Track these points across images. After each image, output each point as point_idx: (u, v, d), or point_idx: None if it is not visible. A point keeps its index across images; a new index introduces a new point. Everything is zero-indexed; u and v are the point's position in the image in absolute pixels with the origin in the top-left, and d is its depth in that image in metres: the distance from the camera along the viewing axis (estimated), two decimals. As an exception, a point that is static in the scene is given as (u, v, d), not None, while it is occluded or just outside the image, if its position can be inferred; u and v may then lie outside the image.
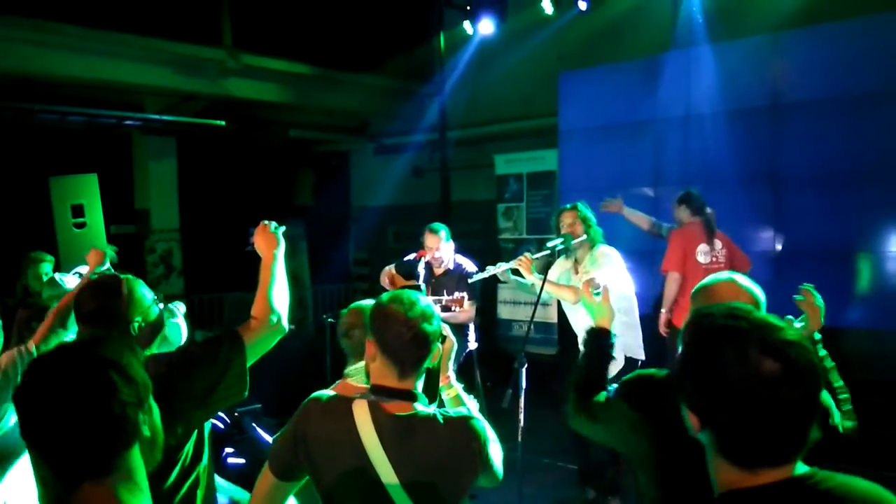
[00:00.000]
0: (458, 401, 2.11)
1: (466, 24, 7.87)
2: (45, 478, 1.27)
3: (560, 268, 4.55)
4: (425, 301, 1.89)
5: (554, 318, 7.71)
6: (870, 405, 5.33)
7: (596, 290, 2.38)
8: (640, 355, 4.32)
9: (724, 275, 2.09)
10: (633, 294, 4.36)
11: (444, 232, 4.90)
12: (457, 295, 4.50)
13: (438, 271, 4.98)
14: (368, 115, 10.57)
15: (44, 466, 1.25)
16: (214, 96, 8.72)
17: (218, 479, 2.77)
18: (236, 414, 4.58)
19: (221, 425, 4.34)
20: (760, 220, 6.47)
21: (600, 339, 2.32)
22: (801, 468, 1.20)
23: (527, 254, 4.28)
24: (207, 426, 2.14)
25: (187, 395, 1.96)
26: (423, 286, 4.59)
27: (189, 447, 2.02)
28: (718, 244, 5.20)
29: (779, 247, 6.42)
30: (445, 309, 4.43)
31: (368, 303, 2.11)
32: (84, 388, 1.21)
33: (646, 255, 5.83)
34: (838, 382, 2.24)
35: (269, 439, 2.81)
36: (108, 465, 1.22)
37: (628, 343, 4.16)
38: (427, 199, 9.34)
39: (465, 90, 8.83)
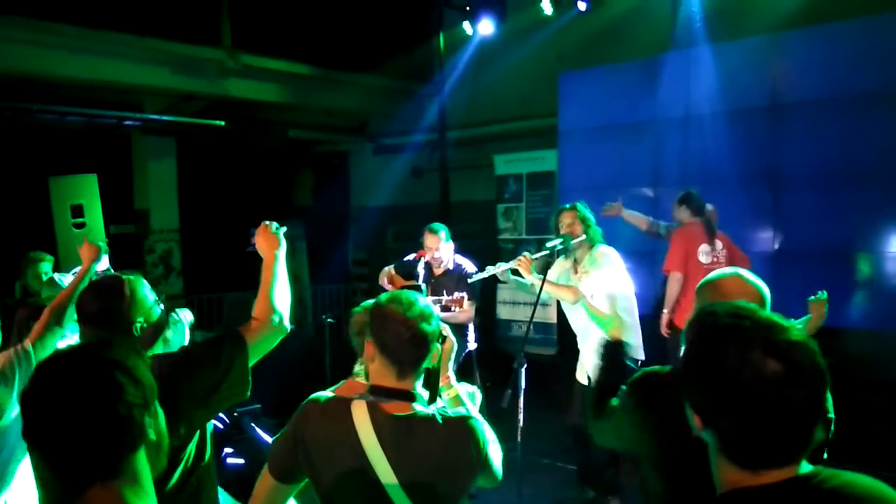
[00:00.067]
0: (458, 401, 2.11)
1: (466, 25, 7.86)
2: (46, 479, 1.27)
3: (559, 268, 4.55)
4: (424, 301, 1.89)
5: (553, 319, 7.71)
6: (870, 405, 5.36)
7: None
8: (640, 355, 4.32)
9: (730, 270, 2.05)
10: (632, 294, 4.36)
11: (443, 232, 4.90)
12: (456, 295, 4.49)
13: (438, 271, 4.97)
14: (368, 115, 10.57)
15: (46, 468, 1.24)
16: (214, 96, 8.72)
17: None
18: (235, 414, 4.57)
19: (221, 425, 4.33)
20: (760, 220, 6.46)
21: (615, 350, 2.33)
22: (805, 467, 1.19)
23: (526, 254, 4.28)
24: (209, 426, 2.13)
25: (189, 395, 1.96)
26: (422, 286, 4.58)
27: (191, 447, 2.02)
28: (719, 244, 5.22)
29: (778, 247, 6.42)
30: (445, 309, 4.42)
31: None
32: (91, 390, 1.21)
33: (645, 256, 5.83)
34: None
35: (269, 439, 2.81)
36: (115, 467, 1.22)
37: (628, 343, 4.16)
38: (426, 199, 9.33)
39: (464, 90, 8.83)
